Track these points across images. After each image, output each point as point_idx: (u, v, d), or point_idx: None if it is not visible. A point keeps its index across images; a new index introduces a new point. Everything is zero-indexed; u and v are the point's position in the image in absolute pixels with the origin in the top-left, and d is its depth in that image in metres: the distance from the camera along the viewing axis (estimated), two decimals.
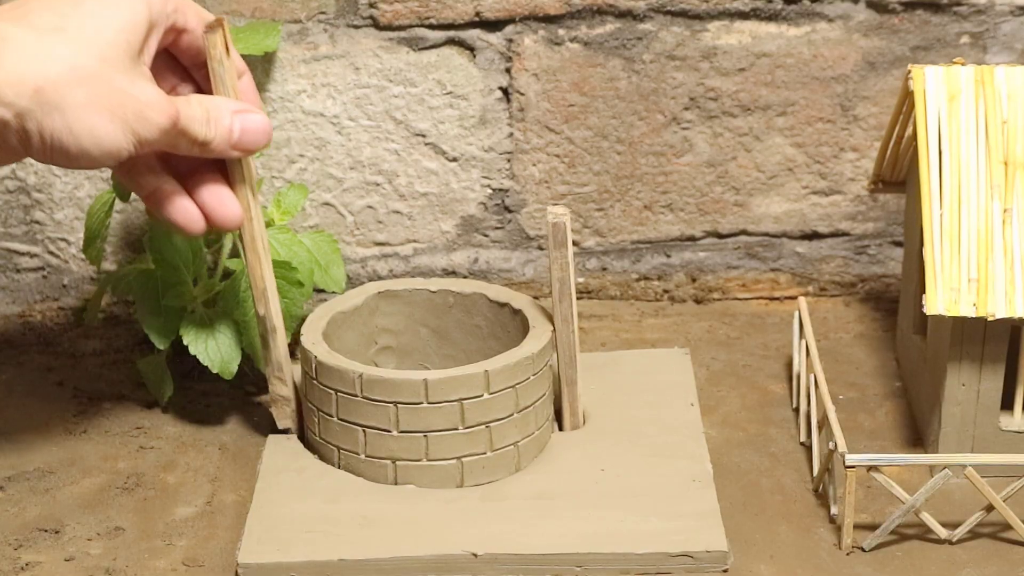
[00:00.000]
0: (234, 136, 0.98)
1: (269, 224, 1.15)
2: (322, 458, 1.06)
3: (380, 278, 1.31)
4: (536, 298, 1.21)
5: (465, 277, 1.31)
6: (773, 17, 1.23)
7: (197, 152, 0.97)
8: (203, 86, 1.02)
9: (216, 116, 0.97)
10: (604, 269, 1.32)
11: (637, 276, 1.32)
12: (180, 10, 0.97)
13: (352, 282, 1.31)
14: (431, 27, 1.23)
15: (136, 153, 0.92)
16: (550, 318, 1.08)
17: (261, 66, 1.23)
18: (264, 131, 0.99)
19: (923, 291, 1.01)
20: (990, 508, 0.98)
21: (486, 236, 1.31)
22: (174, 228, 1.00)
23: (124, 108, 0.90)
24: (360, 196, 1.29)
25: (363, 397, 1.02)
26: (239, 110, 0.98)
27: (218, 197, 0.99)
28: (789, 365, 1.20)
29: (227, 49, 1.00)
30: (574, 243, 1.30)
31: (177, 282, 1.12)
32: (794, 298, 1.32)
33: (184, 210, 0.99)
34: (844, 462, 0.97)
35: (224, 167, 1.01)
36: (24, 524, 1.04)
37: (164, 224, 1.01)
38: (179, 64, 1.02)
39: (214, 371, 1.11)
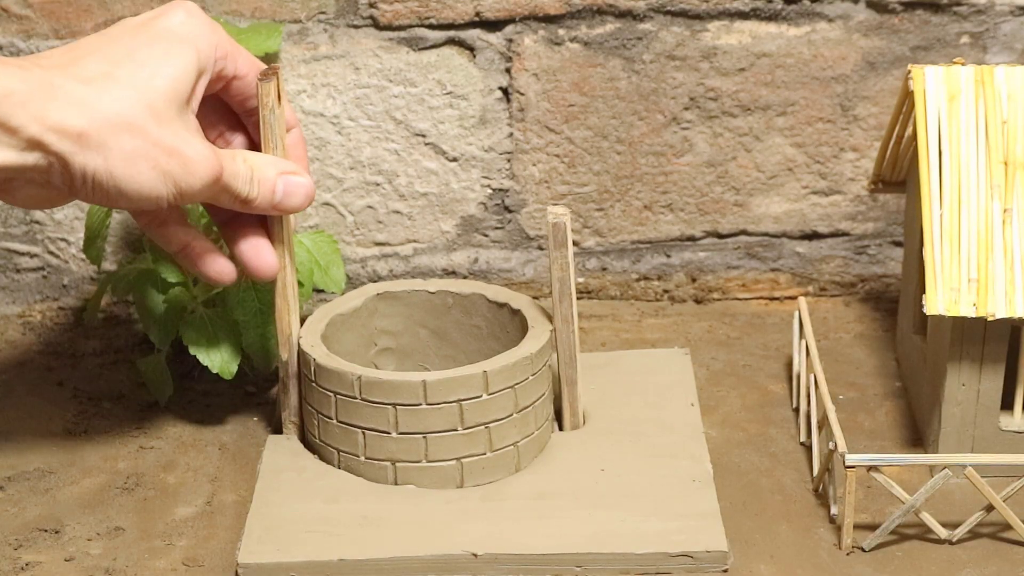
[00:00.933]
0: (276, 197, 0.99)
1: None
2: (322, 459, 1.06)
3: (380, 278, 1.32)
4: (536, 298, 1.21)
5: (465, 277, 1.31)
6: (773, 17, 1.23)
7: (238, 207, 0.98)
8: (253, 134, 1.03)
9: (260, 176, 0.98)
10: (604, 269, 1.32)
11: (637, 276, 1.32)
12: (230, 56, 0.97)
13: (352, 282, 1.31)
14: (431, 27, 1.23)
15: (176, 203, 0.93)
16: (549, 318, 1.08)
17: None
18: (307, 194, 1.00)
19: (923, 291, 1.01)
20: (990, 508, 0.98)
21: (486, 236, 1.31)
22: (204, 279, 1.01)
23: (168, 160, 0.91)
24: (360, 196, 1.29)
25: (362, 399, 1.02)
26: (284, 171, 0.99)
27: (255, 248, 1.01)
28: (789, 365, 1.20)
29: (279, 98, 1.01)
30: (574, 243, 1.30)
31: (177, 282, 1.12)
32: (794, 298, 1.32)
33: (215, 264, 1.01)
34: (844, 462, 0.97)
35: (264, 216, 1.02)
36: (24, 524, 1.04)
37: (194, 275, 1.02)
38: (229, 110, 1.02)
39: (214, 371, 1.11)
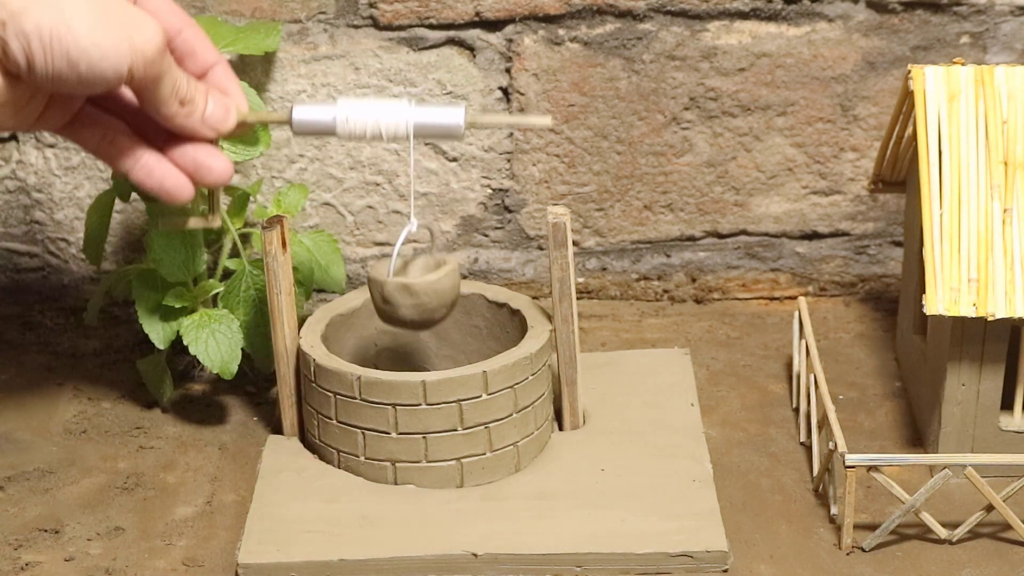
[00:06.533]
0: (209, 108, 0.97)
1: None
2: (322, 459, 1.06)
3: None
4: (536, 298, 1.21)
5: (465, 277, 1.31)
6: (773, 17, 1.23)
7: (172, 109, 0.94)
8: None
9: (194, 82, 0.96)
10: (604, 269, 1.32)
11: (637, 276, 1.32)
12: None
13: (352, 282, 1.31)
14: (431, 27, 1.23)
15: (132, 75, 0.90)
16: (549, 318, 1.08)
17: (261, 66, 1.23)
18: (232, 113, 0.98)
19: (923, 291, 1.01)
20: (990, 508, 0.98)
21: (486, 236, 1.31)
22: (162, 196, 0.99)
23: (119, 15, 0.88)
24: (360, 196, 1.29)
25: (362, 399, 1.02)
26: (211, 90, 0.98)
27: (207, 151, 0.98)
28: (789, 365, 1.20)
29: (284, 245, 1.03)
30: (574, 243, 1.30)
31: (177, 282, 1.12)
32: (794, 298, 1.32)
33: (171, 177, 0.97)
34: (844, 462, 0.97)
35: None
36: (24, 524, 1.04)
37: (154, 193, 0.99)
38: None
39: (214, 371, 1.11)
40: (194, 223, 1.04)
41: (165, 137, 0.99)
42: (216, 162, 0.99)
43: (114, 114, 0.99)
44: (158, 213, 1.09)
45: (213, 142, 0.99)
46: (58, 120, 0.96)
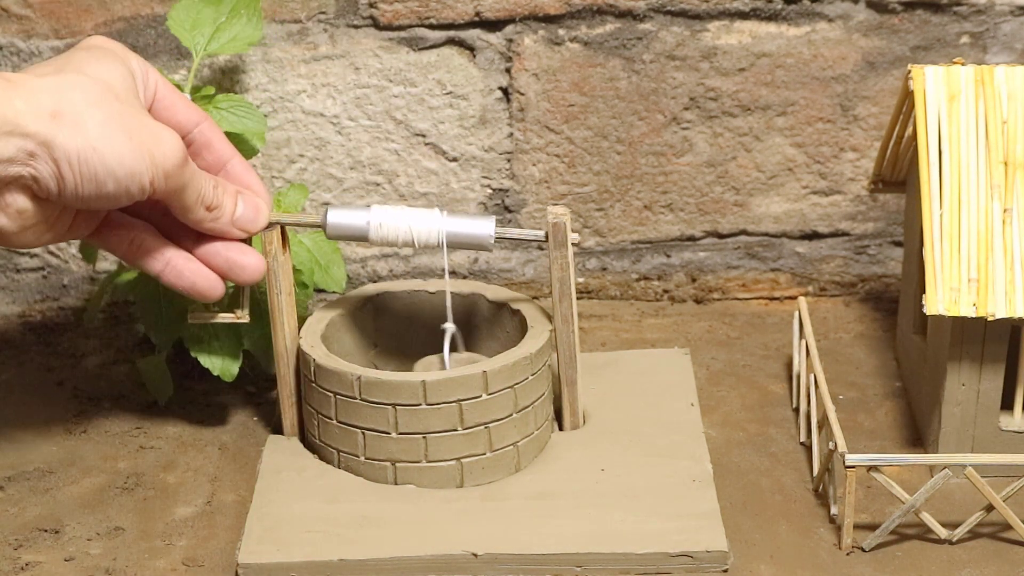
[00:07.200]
0: (238, 210, 1.00)
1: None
2: (322, 459, 1.06)
3: (380, 278, 1.32)
4: (536, 298, 1.21)
5: (465, 277, 1.31)
6: (773, 17, 1.23)
7: (198, 215, 0.98)
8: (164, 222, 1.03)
9: (223, 186, 0.99)
10: (604, 269, 1.32)
11: (637, 276, 1.32)
12: (152, 72, 0.99)
13: (352, 282, 1.31)
14: (431, 27, 1.23)
15: (154, 188, 0.93)
16: (548, 317, 1.08)
17: (261, 66, 1.23)
18: (265, 215, 1.01)
19: (923, 291, 1.01)
20: (990, 508, 0.98)
21: None
22: (194, 295, 1.01)
23: (140, 131, 0.92)
24: (360, 196, 1.29)
25: (362, 399, 1.02)
26: (241, 191, 1.01)
27: (238, 248, 1.01)
28: (789, 365, 1.20)
29: (284, 246, 1.03)
30: (574, 243, 1.30)
31: None
32: (794, 298, 1.32)
33: (202, 276, 1.00)
34: (844, 462, 0.97)
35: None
36: (24, 524, 1.04)
37: (185, 294, 1.01)
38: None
39: (215, 373, 1.11)
40: (223, 318, 1.06)
41: (195, 236, 1.01)
42: (248, 260, 1.01)
43: (141, 216, 1.01)
44: (186, 308, 1.10)
45: (245, 240, 1.01)
46: (86, 229, 0.99)
